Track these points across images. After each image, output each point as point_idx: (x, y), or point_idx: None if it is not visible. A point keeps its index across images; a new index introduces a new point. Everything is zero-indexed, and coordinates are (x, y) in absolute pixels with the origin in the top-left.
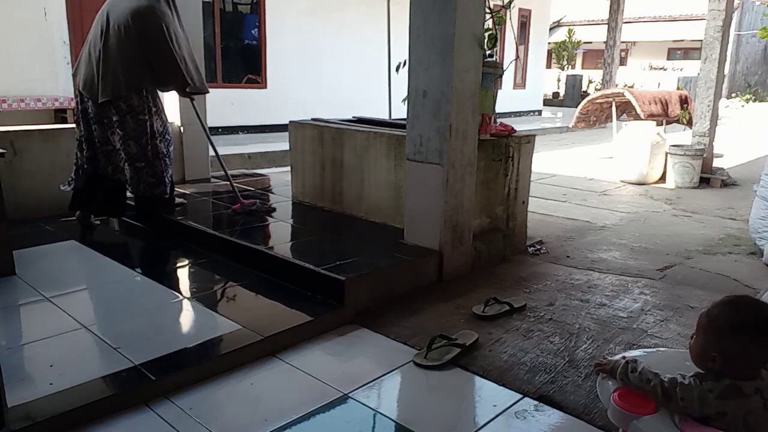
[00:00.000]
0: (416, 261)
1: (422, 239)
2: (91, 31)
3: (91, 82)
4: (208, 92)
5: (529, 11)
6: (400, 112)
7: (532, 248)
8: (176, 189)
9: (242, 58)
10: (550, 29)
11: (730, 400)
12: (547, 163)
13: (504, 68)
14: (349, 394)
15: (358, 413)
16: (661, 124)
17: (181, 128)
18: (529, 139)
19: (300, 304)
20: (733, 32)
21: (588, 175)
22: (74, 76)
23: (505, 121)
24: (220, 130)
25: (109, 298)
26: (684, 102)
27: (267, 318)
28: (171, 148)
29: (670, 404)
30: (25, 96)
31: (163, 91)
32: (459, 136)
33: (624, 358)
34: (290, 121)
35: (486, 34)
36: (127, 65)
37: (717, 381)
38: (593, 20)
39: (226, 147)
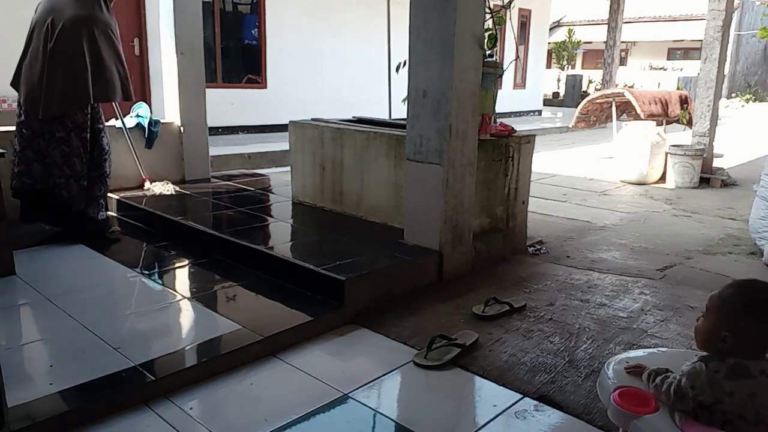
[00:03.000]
0: (416, 261)
1: (422, 239)
2: (33, 38)
3: (33, 96)
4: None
5: (529, 11)
6: (400, 112)
7: (532, 248)
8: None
9: (242, 58)
10: (550, 29)
11: (738, 380)
12: (547, 163)
13: (504, 68)
14: (349, 394)
15: (358, 413)
16: (661, 124)
17: (181, 128)
18: (529, 139)
19: (300, 304)
20: (733, 32)
21: (588, 175)
22: (13, 85)
23: (505, 121)
24: (220, 130)
25: (108, 298)
26: (684, 102)
27: (267, 318)
28: (110, 168)
29: (683, 401)
30: None
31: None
32: (459, 136)
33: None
34: (290, 121)
35: (486, 34)
36: (74, 79)
37: (722, 361)
38: (593, 20)
39: (226, 147)
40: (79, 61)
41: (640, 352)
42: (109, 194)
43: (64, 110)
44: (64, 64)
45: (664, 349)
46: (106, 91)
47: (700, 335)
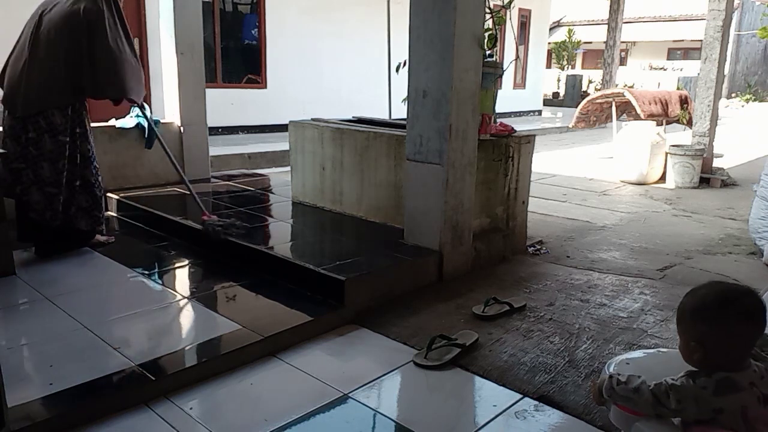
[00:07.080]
0: (416, 261)
1: (422, 239)
2: (22, 34)
3: (13, 94)
4: (137, 103)
5: (529, 11)
6: (400, 112)
7: (532, 248)
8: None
9: (242, 58)
10: (550, 29)
11: (726, 395)
12: (547, 163)
13: (504, 68)
14: (349, 394)
15: (358, 413)
16: (661, 124)
17: (181, 128)
18: (529, 139)
19: (300, 304)
20: (733, 32)
21: (588, 175)
22: None
23: (505, 121)
24: (220, 130)
25: (108, 298)
26: (684, 102)
27: (267, 318)
28: (98, 177)
29: (660, 409)
30: None
31: (96, 99)
32: (459, 136)
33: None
34: (290, 121)
35: (486, 34)
36: (52, 78)
37: (710, 376)
38: (593, 20)
39: (226, 147)
40: (57, 59)
41: (640, 353)
42: (109, 194)
43: (41, 108)
44: (43, 61)
45: (664, 350)
46: (98, 87)
47: (681, 352)
